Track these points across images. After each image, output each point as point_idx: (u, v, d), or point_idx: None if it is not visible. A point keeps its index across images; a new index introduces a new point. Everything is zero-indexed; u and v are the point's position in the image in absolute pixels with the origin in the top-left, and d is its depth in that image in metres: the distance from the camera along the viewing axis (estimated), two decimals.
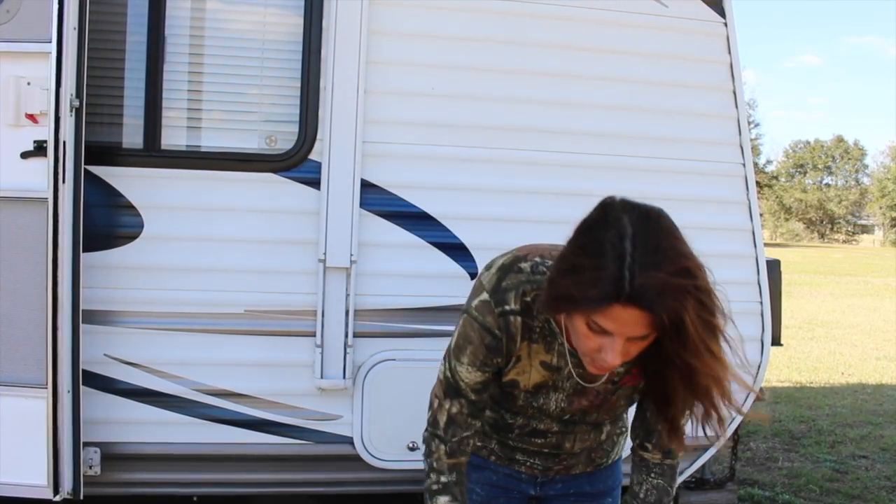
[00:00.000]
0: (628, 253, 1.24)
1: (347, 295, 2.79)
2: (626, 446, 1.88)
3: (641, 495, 1.70)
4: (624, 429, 1.85)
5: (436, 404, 1.62)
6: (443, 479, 1.60)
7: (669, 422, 1.50)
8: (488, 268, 1.56)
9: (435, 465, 1.61)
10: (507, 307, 1.50)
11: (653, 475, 1.70)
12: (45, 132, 2.45)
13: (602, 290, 1.23)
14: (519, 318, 1.51)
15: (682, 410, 1.45)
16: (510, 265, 1.53)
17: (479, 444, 1.78)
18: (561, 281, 1.30)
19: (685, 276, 1.25)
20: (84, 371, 2.58)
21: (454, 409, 1.59)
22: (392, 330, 2.84)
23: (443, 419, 1.60)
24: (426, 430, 1.64)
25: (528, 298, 1.50)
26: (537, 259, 1.53)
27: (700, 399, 1.41)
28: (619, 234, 1.26)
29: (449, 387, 1.59)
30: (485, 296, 1.52)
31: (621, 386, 1.61)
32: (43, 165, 2.46)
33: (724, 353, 1.35)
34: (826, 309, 12.92)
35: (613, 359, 1.32)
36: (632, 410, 1.77)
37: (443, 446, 1.60)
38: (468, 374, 1.55)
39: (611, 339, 1.30)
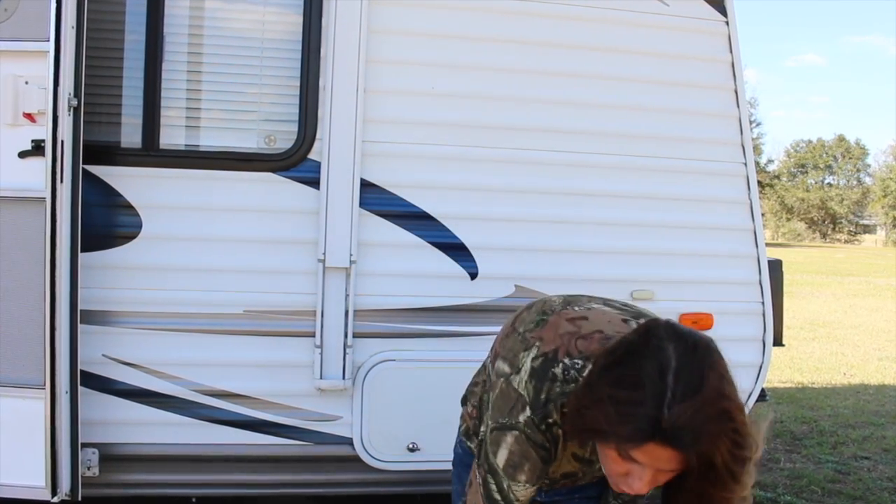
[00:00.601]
0: (669, 389, 1.19)
1: (347, 295, 2.79)
2: None
3: None
4: None
5: None
6: None
7: None
8: (516, 369, 1.50)
9: None
10: (550, 420, 1.46)
11: None
12: (43, 131, 2.45)
13: (638, 427, 1.19)
14: (558, 429, 1.47)
15: None
16: (542, 372, 1.47)
17: None
18: (593, 412, 1.24)
19: (723, 420, 1.20)
20: (82, 371, 2.58)
21: None
22: (392, 330, 2.83)
23: None
24: None
25: (566, 395, 1.45)
26: (566, 361, 1.47)
27: None
28: (661, 366, 1.21)
29: None
30: (528, 412, 1.47)
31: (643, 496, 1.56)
32: (41, 165, 2.45)
33: (748, 477, 1.27)
34: (828, 309, 12.90)
35: (640, 487, 1.28)
36: None
37: None
38: (524, 491, 1.51)
39: (640, 468, 1.26)
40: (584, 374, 1.39)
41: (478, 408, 1.81)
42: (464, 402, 1.90)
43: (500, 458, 1.50)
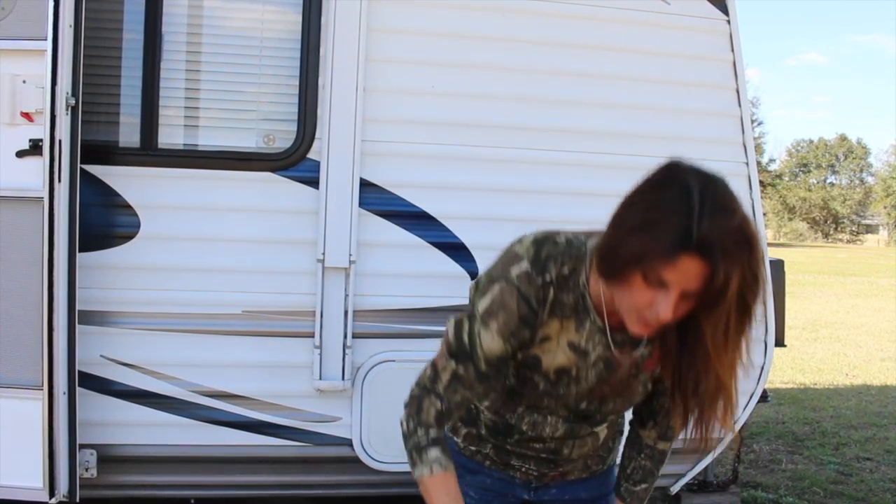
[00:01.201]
0: (697, 205, 1.26)
1: (346, 295, 2.77)
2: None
3: (628, 471, 1.74)
4: (619, 433, 1.83)
5: (439, 365, 1.54)
6: (432, 433, 1.52)
7: (677, 401, 1.48)
8: (520, 241, 1.53)
9: (423, 419, 1.52)
10: (547, 277, 1.48)
11: (643, 456, 1.73)
12: (40, 131, 2.44)
13: (674, 239, 1.26)
14: (553, 291, 1.49)
15: (692, 392, 1.44)
16: (546, 238, 1.51)
17: (472, 448, 1.75)
18: (629, 239, 1.31)
19: (748, 243, 1.28)
20: (80, 372, 2.57)
21: (461, 371, 1.51)
22: (391, 331, 2.82)
23: (446, 377, 1.52)
24: (416, 390, 1.56)
25: (566, 270, 1.49)
26: (570, 235, 1.53)
27: (706, 389, 1.42)
28: (687, 189, 1.28)
29: (461, 350, 1.51)
30: (525, 265, 1.48)
31: (644, 370, 1.59)
32: (38, 164, 2.44)
33: (749, 328, 1.35)
34: (830, 310, 12.88)
35: (666, 312, 1.32)
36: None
37: (438, 402, 1.52)
38: (490, 342, 1.49)
39: (665, 293, 1.31)
40: (596, 241, 1.43)
41: None
42: None
43: (482, 305, 1.49)
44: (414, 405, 1.54)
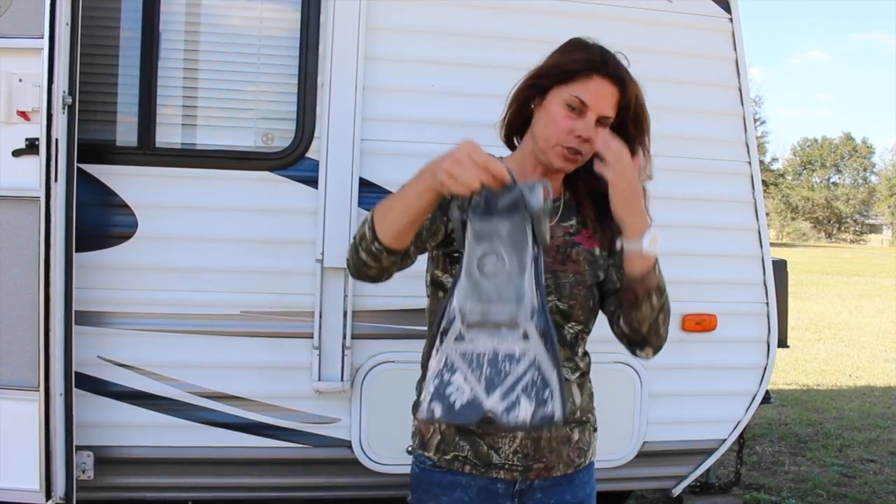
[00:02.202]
0: (601, 48, 1.68)
1: (345, 296, 2.75)
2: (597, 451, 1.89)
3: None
4: (592, 424, 1.84)
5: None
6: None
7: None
8: None
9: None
10: None
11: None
12: (37, 130, 2.42)
13: (590, 62, 1.64)
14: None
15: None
16: None
17: (448, 456, 1.74)
18: (550, 67, 1.71)
19: (637, 82, 1.70)
20: (77, 373, 2.55)
21: None
22: (391, 331, 2.79)
23: None
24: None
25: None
26: None
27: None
28: (589, 40, 1.71)
29: None
30: None
31: (577, 242, 1.75)
32: (35, 164, 2.42)
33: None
34: (833, 310, 12.85)
35: (586, 130, 1.63)
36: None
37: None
38: None
39: (585, 117, 1.64)
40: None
41: None
42: (415, 409, 1.81)
43: None
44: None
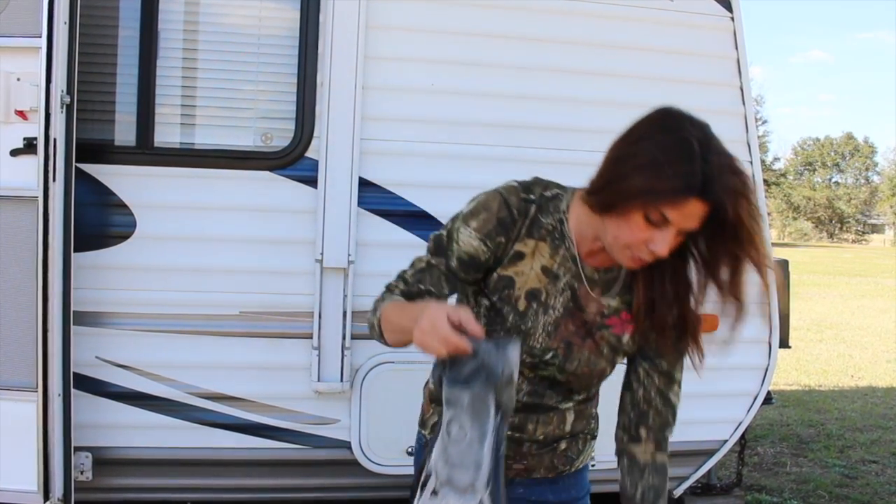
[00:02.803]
0: (703, 152, 1.36)
1: (345, 296, 2.74)
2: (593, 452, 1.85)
3: (638, 498, 1.66)
4: (589, 433, 1.80)
5: (413, 263, 1.60)
6: (401, 288, 1.57)
7: (668, 349, 1.60)
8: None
9: (388, 287, 1.59)
10: (532, 196, 1.56)
11: (647, 475, 1.67)
12: (35, 129, 2.41)
13: (686, 183, 1.34)
14: (534, 209, 1.56)
15: (683, 332, 1.57)
16: (528, 179, 1.61)
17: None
18: (634, 176, 1.39)
19: (743, 179, 1.39)
20: (75, 374, 2.54)
21: (433, 261, 1.57)
22: None
23: (417, 266, 1.58)
24: (382, 292, 1.60)
25: (549, 193, 1.58)
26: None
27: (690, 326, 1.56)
28: (687, 136, 1.38)
29: (438, 245, 1.57)
30: (514, 182, 1.58)
31: (608, 325, 1.61)
32: (33, 163, 2.41)
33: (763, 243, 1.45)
34: (835, 310, 12.83)
35: (663, 248, 1.41)
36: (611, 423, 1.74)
37: (402, 285, 1.57)
38: (467, 239, 1.54)
39: (663, 232, 1.40)
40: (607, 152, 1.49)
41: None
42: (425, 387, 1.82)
43: (466, 208, 1.57)
44: (386, 287, 1.60)
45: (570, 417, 1.71)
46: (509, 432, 1.67)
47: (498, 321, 1.59)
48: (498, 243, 1.54)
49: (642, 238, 1.41)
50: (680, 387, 1.67)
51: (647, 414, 1.66)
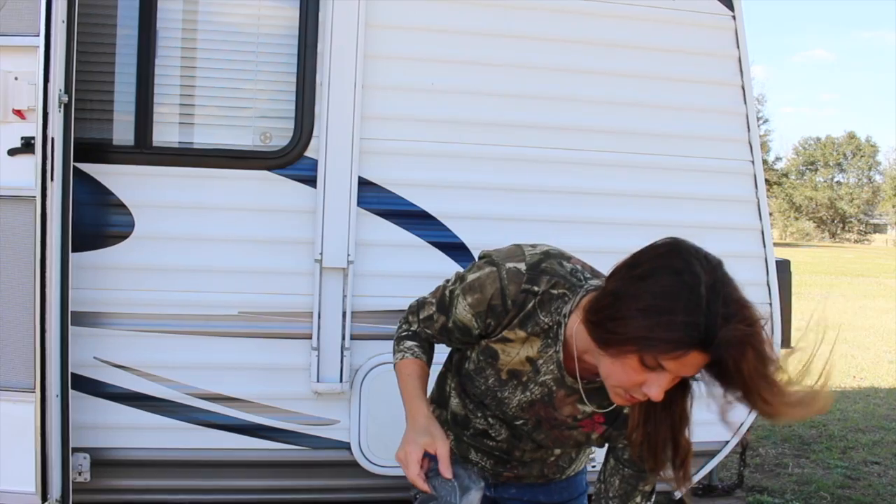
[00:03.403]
0: (708, 301, 1.25)
1: (344, 296, 2.73)
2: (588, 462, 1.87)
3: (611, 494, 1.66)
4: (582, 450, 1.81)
5: (425, 302, 1.68)
6: (413, 327, 1.68)
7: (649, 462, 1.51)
8: (535, 245, 1.58)
9: (410, 319, 1.70)
10: (535, 288, 1.50)
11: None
12: (32, 128, 2.39)
13: (683, 335, 1.25)
14: (533, 303, 1.51)
15: (663, 466, 1.48)
16: (556, 255, 1.55)
17: None
18: (634, 320, 1.29)
19: (752, 325, 1.27)
20: (73, 374, 2.53)
21: (436, 316, 1.64)
22: (390, 332, 2.73)
23: (424, 314, 1.67)
24: (413, 303, 1.72)
25: (556, 292, 1.50)
26: (579, 266, 1.55)
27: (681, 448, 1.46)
28: (696, 279, 1.27)
29: (442, 303, 1.62)
30: (522, 266, 1.52)
31: (579, 426, 1.61)
32: (31, 162, 2.40)
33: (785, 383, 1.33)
34: (838, 311, 12.79)
35: (658, 394, 1.33)
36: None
37: (416, 324, 1.69)
38: (462, 311, 1.57)
39: (659, 375, 1.32)
40: (596, 283, 1.47)
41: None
42: None
43: (470, 276, 1.57)
44: (408, 311, 1.72)
45: (557, 450, 1.74)
46: (496, 453, 1.73)
47: (481, 377, 1.62)
48: (488, 324, 1.56)
49: (636, 381, 1.34)
50: (653, 491, 1.66)
51: (613, 486, 1.65)
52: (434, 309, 1.64)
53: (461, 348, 1.67)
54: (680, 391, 1.39)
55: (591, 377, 1.51)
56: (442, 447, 1.45)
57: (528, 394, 1.59)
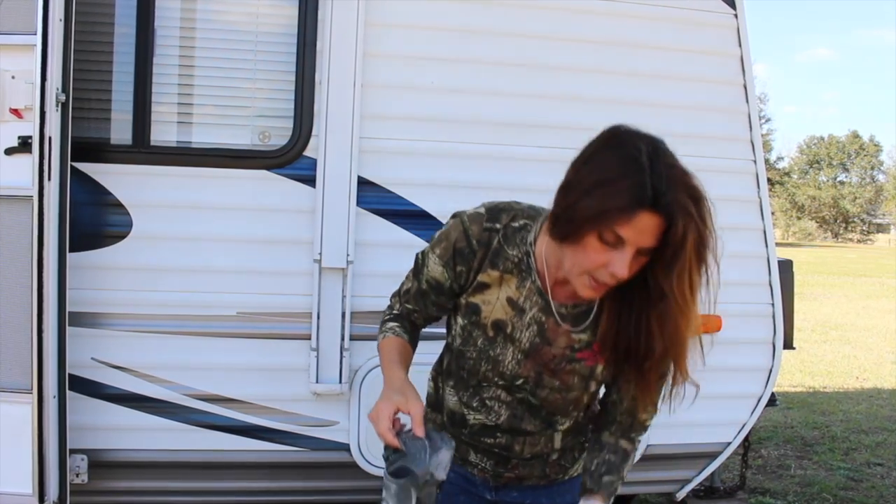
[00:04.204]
0: (648, 164, 1.32)
1: (344, 296, 2.72)
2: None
3: (592, 468, 1.65)
4: (581, 446, 1.78)
5: (404, 279, 1.73)
6: (395, 310, 1.72)
7: (642, 378, 1.55)
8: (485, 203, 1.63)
9: (392, 304, 1.75)
10: (496, 225, 1.56)
11: (606, 451, 1.66)
12: (30, 127, 2.39)
13: (631, 196, 1.30)
14: (497, 240, 1.56)
15: (655, 362, 1.50)
16: (508, 200, 1.62)
17: None
18: (585, 199, 1.35)
19: (697, 196, 1.35)
20: (70, 375, 2.51)
21: (411, 286, 1.69)
22: None
23: (403, 288, 1.72)
24: (389, 301, 1.78)
25: (517, 224, 1.57)
26: (534, 205, 1.63)
27: (671, 344, 1.47)
28: (637, 149, 1.34)
29: (416, 269, 1.68)
30: (481, 209, 1.58)
31: (578, 359, 1.60)
32: (28, 162, 2.39)
33: (699, 283, 1.41)
34: (840, 311, 12.78)
35: (622, 269, 1.36)
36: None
37: (398, 304, 1.73)
38: (432, 265, 1.61)
39: (621, 252, 1.36)
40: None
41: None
42: None
43: (436, 234, 1.63)
44: (391, 295, 1.77)
45: (558, 438, 1.72)
46: (496, 450, 1.71)
47: (470, 344, 1.62)
48: (458, 272, 1.58)
49: (600, 261, 1.37)
50: (655, 407, 1.64)
51: (615, 418, 1.66)
52: (409, 277, 1.70)
53: (440, 316, 1.71)
54: (645, 291, 1.41)
55: (575, 300, 1.55)
56: (415, 407, 1.45)
57: (518, 345, 1.59)
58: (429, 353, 1.80)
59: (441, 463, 1.41)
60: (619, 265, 1.36)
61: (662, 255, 1.35)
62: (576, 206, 1.36)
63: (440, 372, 1.76)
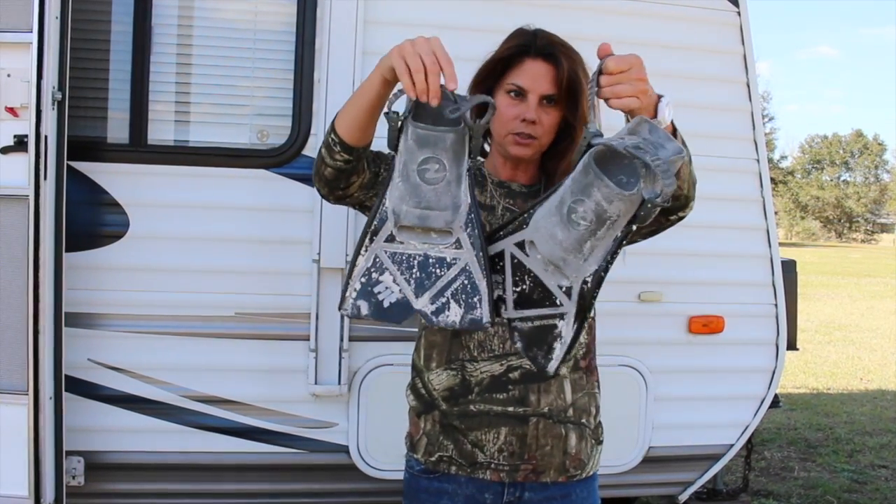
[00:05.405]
0: (535, 31, 1.73)
1: None
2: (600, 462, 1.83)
3: None
4: (591, 428, 1.77)
5: None
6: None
7: None
8: None
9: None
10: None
11: None
12: (25, 126, 2.37)
13: (517, 44, 1.70)
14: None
15: None
16: None
17: (434, 457, 1.75)
18: (488, 63, 1.74)
19: (570, 45, 1.71)
20: (67, 377, 2.50)
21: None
22: (389, 333, 2.73)
23: None
24: None
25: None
26: None
27: None
28: (525, 26, 1.77)
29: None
30: None
31: None
32: (23, 161, 2.37)
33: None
34: (844, 312, 12.75)
35: (531, 113, 1.66)
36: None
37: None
38: None
39: (527, 100, 1.67)
40: None
41: None
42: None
43: None
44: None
45: (568, 387, 1.72)
46: (510, 408, 1.69)
47: None
48: None
49: (513, 114, 1.67)
50: None
51: None
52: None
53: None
54: (573, 146, 1.64)
55: (529, 180, 1.78)
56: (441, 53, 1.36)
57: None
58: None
59: (482, 100, 1.39)
60: (529, 110, 1.66)
61: (566, 99, 1.66)
62: (482, 74, 1.73)
63: (420, 371, 1.79)
